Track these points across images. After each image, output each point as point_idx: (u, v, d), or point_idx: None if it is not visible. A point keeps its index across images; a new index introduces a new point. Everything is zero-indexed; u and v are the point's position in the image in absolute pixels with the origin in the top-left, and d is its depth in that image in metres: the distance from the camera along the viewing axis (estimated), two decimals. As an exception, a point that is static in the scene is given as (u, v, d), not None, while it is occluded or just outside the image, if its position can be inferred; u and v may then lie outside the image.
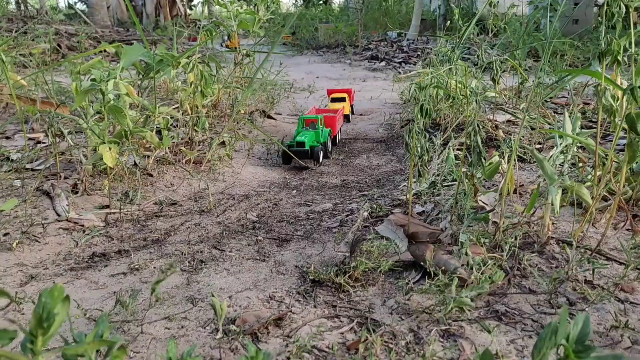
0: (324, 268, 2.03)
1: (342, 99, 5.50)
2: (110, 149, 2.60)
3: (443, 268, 1.87)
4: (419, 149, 2.18)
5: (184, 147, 3.70)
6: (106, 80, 2.67)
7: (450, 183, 2.77)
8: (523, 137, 3.63)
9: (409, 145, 2.19)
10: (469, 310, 1.70)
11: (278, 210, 2.95)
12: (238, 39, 5.89)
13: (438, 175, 2.75)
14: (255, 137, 4.30)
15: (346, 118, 5.43)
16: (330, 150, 4.07)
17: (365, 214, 2.37)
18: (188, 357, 1.20)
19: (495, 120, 3.80)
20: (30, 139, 4.07)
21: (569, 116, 2.33)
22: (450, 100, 3.89)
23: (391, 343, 1.58)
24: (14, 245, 2.30)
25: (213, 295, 1.59)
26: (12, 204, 2.60)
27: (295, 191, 3.27)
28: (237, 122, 4.27)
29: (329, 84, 8.72)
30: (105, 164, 3.11)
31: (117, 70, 3.68)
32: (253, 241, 2.46)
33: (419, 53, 11.00)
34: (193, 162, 3.57)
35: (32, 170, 3.30)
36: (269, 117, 5.12)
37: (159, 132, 3.70)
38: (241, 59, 4.77)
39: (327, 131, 3.99)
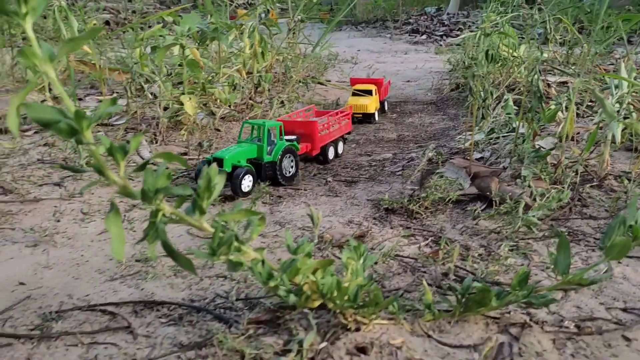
0: (395, 199, 2.22)
1: (368, 92, 4.07)
2: (190, 99, 2.84)
3: (510, 195, 2.03)
4: (482, 92, 2.32)
5: (245, 107, 3.92)
6: (186, 35, 2.88)
7: (506, 134, 2.91)
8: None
9: (472, 90, 2.34)
10: (536, 229, 1.87)
11: (340, 159, 3.14)
12: (276, 16, 6.05)
13: (494, 125, 2.89)
14: (309, 99, 4.50)
15: (368, 117, 4.01)
16: (291, 174, 2.65)
17: (430, 154, 2.55)
18: (302, 244, 1.41)
19: (547, 80, 3.89)
20: (99, 100, 4.36)
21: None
22: (501, 62, 3.98)
23: (465, 254, 1.77)
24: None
25: (309, 205, 1.79)
26: (103, 149, 2.87)
27: (354, 144, 3.46)
28: (292, 85, 4.47)
29: (371, 57, 8.82)
30: (178, 118, 3.37)
31: (183, 32, 3.91)
32: (323, 182, 2.67)
33: (460, 26, 10.94)
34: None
35: (111, 125, 3.58)
36: (320, 83, 5.30)
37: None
38: (294, 25, 4.95)
39: (281, 145, 2.59)
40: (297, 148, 2.73)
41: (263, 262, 1.22)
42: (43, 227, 2.07)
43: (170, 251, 1.12)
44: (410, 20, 12.64)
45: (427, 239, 1.91)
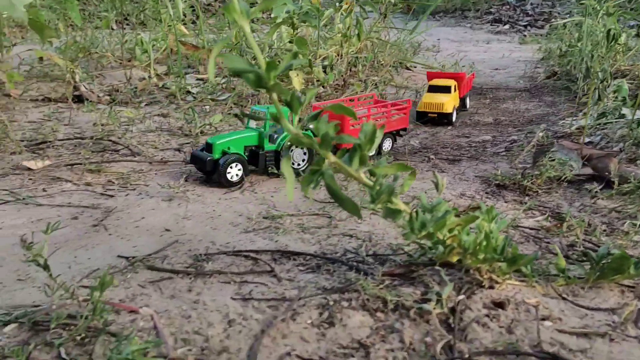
0: (507, 176, 2.24)
1: (446, 89, 3.49)
2: (297, 75, 2.96)
3: (633, 175, 2.00)
4: (599, 73, 2.28)
5: (339, 87, 4.01)
6: (298, 13, 3.00)
7: (615, 119, 2.83)
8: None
9: (589, 70, 2.31)
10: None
11: (438, 140, 3.17)
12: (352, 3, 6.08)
13: (604, 109, 2.82)
14: (401, 83, 4.53)
15: (444, 118, 3.43)
16: (300, 167, 2.45)
17: (541, 134, 2.53)
18: (438, 203, 1.47)
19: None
20: (199, 79, 4.59)
21: None
22: (605, 48, 3.85)
23: (588, 229, 1.77)
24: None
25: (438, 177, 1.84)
26: (219, 118, 3.06)
27: (449, 127, 3.47)
28: (385, 69, 4.52)
29: (452, 45, 8.68)
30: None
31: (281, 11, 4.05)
32: (425, 159, 2.72)
33: (545, 17, 10.53)
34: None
35: (214, 100, 3.78)
36: (407, 68, 5.33)
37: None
38: (385, 9, 4.98)
39: (285, 136, 2.34)
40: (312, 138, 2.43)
41: (417, 213, 1.30)
42: (173, 185, 2.26)
43: (337, 196, 1.21)
44: (492, 10, 12.29)
45: (545, 213, 1.92)
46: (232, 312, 1.33)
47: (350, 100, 2.96)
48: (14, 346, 1.18)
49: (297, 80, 2.97)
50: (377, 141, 1.24)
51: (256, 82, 1.16)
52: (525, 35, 9.72)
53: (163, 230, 1.84)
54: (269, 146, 2.36)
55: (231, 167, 2.25)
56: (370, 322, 1.29)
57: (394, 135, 2.86)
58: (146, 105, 3.71)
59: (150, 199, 2.13)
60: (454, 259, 1.40)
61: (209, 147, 2.28)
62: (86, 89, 3.83)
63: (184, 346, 1.20)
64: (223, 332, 1.26)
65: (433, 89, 3.52)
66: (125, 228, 1.85)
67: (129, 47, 4.66)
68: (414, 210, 1.30)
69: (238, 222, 1.90)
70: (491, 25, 10.76)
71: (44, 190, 2.18)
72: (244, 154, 2.34)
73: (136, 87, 4.10)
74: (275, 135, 2.36)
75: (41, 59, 4.58)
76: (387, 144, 2.82)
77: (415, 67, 5.73)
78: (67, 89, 3.67)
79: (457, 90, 3.58)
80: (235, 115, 1.17)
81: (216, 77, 4.23)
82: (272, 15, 4.45)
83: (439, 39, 9.69)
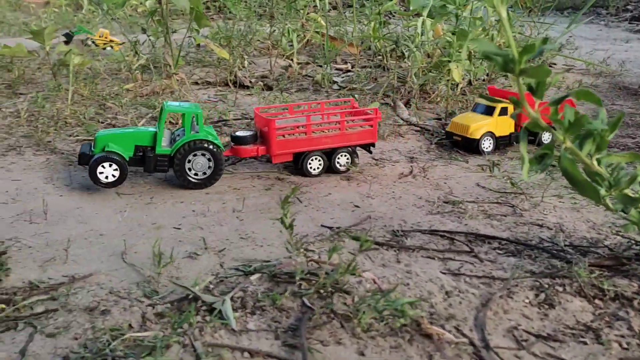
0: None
1: (489, 110, 2.69)
2: (457, 67, 2.98)
3: None
4: None
5: (482, 82, 3.96)
6: (461, 6, 3.02)
7: None
8: None
9: None
10: None
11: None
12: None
13: None
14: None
15: (470, 144, 2.62)
16: (199, 178, 2.08)
17: None
18: None
19: None
20: (337, 69, 4.74)
21: None
22: None
23: None
24: (385, 137, 2.83)
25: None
26: (375, 106, 3.17)
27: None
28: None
29: (586, 43, 8.18)
30: (428, 86, 3.54)
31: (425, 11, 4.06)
32: None
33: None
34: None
35: (359, 90, 3.89)
36: (549, 65, 5.15)
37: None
38: (531, 4, 4.83)
39: (188, 137, 2.04)
40: (219, 146, 2.08)
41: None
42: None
43: (575, 180, 1.24)
44: (629, 7, 11.39)
45: None
46: (446, 285, 1.41)
47: (325, 104, 2.55)
48: (262, 292, 1.35)
49: (457, 73, 2.99)
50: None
51: (504, 66, 1.22)
52: (671, 35, 8.94)
53: (352, 206, 1.97)
54: (161, 149, 2.06)
55: (103, 167, 1.96)
56: (589, 307, 1.32)
57: (352, 150, 2.32)
58: (295, 92, 3.91)
59: (327, 177, 2.28)
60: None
61: (94, 143, 2.06)
62: (242, 74, 4.12)
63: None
64: (444, 301, 1.34)
65: (480, 108, 2.77)
66: (317, 201, 2.00)
67: (269, 37, 4.91)
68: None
69: (420, 205, 1.98)
70: (629, 23, 9.98)
71: (232, 163, 2.40)
72: (135, 153, 2.06)
73: (282, 75, 4.33)
74: (178, 138, 2.09)
75: (198, 45, 4.98)
76: (343, 161, 2.30)
77: (555, 64, 5.50)
78: (229, 74, 3.96)
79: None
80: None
81: (362, 67, 4.35)
82: (411, 8, 4.49)
83: (571, 36, 9.18)
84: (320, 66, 4.84)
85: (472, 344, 1.18)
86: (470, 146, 2.63)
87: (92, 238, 1.67)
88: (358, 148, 2.38)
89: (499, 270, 1.50)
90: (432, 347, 1.17)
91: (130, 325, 1.22)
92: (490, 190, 2.14)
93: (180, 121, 2.14)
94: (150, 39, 4.27)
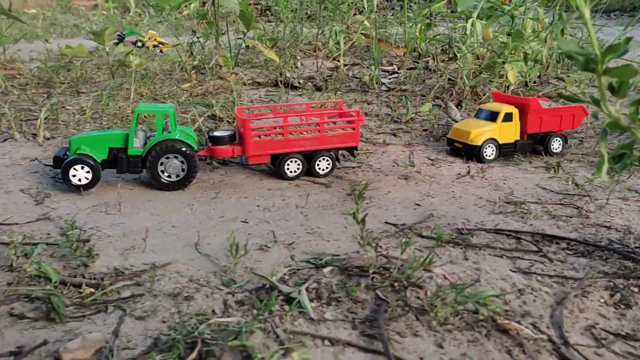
0: None
1: (493, 116, 2.57)
2: (512, 68, 2.96)
3: None
4: None
5: (535, 84, 3.91)
6: (517, 6, 2.99)
7: None
8: None
9: None
10: None
11: None
12: None
13: None
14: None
15: (470, 151, 2.52)
16: (171, 180, 2.07)
17: None
18: None
19: None
20: (383, 70, 4.76)
21: None
22: None
23: None
24: (439, 137, 2.84)
25: None
26: (427, 107, 3.18)
27: None
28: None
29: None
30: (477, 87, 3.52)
31: (475, 12, 4.04)
32: None
33: None
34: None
35: (410, 91, 3.90)
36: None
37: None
38: (560, 14, 4.74)
39: (159, 138, 2.04)
40: (193, 147, 2.07)
41: None
42: (401, 164, 2.41)
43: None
44: (681, 8, 11.01)
45: None
46: (518, 283, 1.42)
47: (311, 106, 2.48)
48: (335, 284, 1.38)
49: (512, 74, 2.97)
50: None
51: (585, 65, 1.21)
52: None
53: (414, 204, 1.98)
54: (133, 150, 2.07)
55: (76, 169, 2.00)
56: (669, 309, 1.30)
57: (333, 154, 2.28)
58: (344, 93, 3.94)
59: (385, 176, 2.30)
60: None
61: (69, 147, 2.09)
62: (290, 75, 4.18)
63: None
64: (517, 298, 1.35)
65: (484, 114, 2.61)
66: (378, 199, 2.03)
67: (316, 39, 4.96)
68: None
69: (482, 204, 1.99)
70: (682, 24, 9.64)
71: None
72: (109, 155, 2.07)
73: (330, 76, 4.38)
74: (151, 138, 2.10)
75: (247, 47, 5.08)
76: (324, 165, 2.25)
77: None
78: (279, 75, 4.03)
79: (516, 121, 2.55)
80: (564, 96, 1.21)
81: (409, 69, 4.36)
82: (459, 9, 4.47)
83: (619, 39, 8.91)
84: (367, 67, 4.86)
85: (550, 340, 1.19)
86: (472, 153, 2.50)
87: (165, 229, 1.74)
88: (345, 152, 2.36)
89: (570, 270, 1.49)
90: (509, 342, 1.18)
91: (213, 311, 1.27)
92: (552, 191, 2.12)
93: (167, 121, 2.14)
94: (200, 41, 4.39)
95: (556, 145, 2.64)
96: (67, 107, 3.11)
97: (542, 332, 1.22)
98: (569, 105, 2.66)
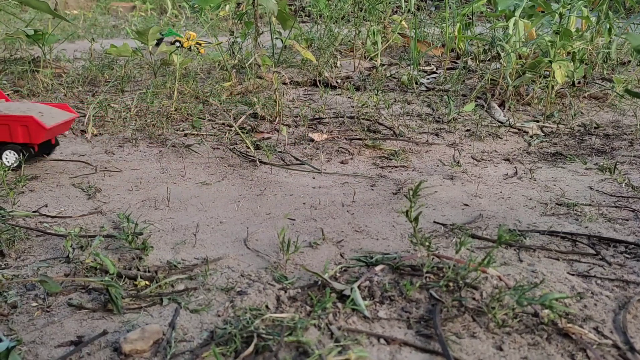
0: None
1: None
2: (560, 67, 2.88)
3: None
4: None
5: (580, 84, 3.80)
6: (566, 5, 2.92)
7: None
8: None
9: None
10: None
11: None
12: None
13: None
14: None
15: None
16: None
17: None
18: None
19: None
20: (421, 70, 4.70)
21: None
22: None
23: None
24: (483, 137, 2.78)
25: None
26: (471, 107, 3.12)
27: None
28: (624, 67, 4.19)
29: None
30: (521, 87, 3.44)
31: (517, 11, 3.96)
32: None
33: None
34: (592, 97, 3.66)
35: (451, 91, 3.84)
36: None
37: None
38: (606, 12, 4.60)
39: None
40: None
41: None
42: (442, 164, 2.37)
43: None
44: None
45: None
46: (577, 286, 1.37)
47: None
48: (388, 283, 1.37)
49: (559, 73, 2.90)
50: None
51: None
52: None
53: (462, 204, 1.95)
54: None
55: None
56: None
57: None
58: (383, 92, 3.92)
59: (429, 175, 2.27)
60: None
61: None
62: (329, 75, 4.17)
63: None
64: (577, 302, 1.31)
65: None
66: (425, 199, 2.00)
67: (354, 39, 4.94)
68: None
69: (532, 206, 1.94)
70: None
71: (327, 161, 2.44)
72: None
73: (368, 75, 4.36)
74: None
75: (285, 46, 5.10)
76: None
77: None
78: (318, 74, 4.03)
79: None
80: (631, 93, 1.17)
81: (448, 69, 4.30)
82: (499, 9, 4.39)
83: None
84: (404, 67, 4.82)
85: (615, 346, 1.14)
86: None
87: (213, 225, 1.76)
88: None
89: (631, 275, 1.44)
90: (572, 346, 1.15)
91: (267, 306, 1.27)
92: (605, 193, 2.05)
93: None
94: (238, 41, 4.43)
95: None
96: (113, 104, 3.18)
97: (606, 337, 1.17)
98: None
